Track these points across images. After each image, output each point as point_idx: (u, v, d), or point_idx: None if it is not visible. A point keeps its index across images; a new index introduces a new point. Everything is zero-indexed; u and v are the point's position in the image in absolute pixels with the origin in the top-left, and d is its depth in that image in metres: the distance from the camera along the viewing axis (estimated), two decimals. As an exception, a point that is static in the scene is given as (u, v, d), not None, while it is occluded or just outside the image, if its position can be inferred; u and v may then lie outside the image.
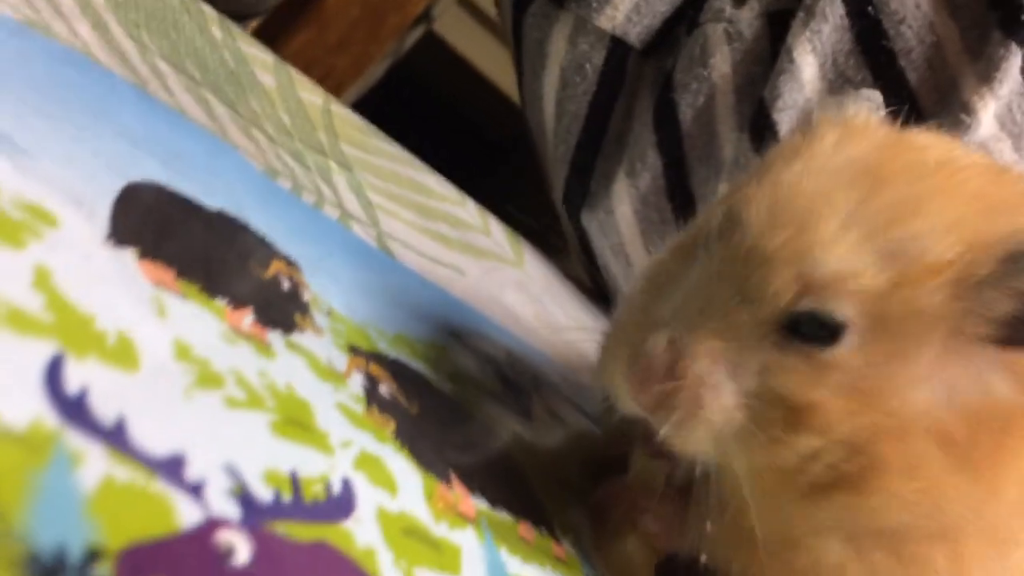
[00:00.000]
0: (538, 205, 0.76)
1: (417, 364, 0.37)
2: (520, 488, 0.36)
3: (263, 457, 0.24)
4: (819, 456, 0.30)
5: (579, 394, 0.50)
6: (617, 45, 0.65)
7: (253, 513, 0.22)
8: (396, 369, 0.35)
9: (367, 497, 0.27)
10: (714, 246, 0.32)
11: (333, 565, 0.23)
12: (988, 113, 0.57)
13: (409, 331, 0.39)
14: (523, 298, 0.58)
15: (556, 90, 0.67)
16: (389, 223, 0.49)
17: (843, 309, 0.30)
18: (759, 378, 0.31)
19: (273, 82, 0.50)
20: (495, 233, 0.64)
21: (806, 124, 0.35)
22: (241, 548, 0.21)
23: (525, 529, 0.33)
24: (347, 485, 0.26)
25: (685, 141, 0.63)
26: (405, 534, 0.27)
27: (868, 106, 0.36)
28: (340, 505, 0.25)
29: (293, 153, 0.46)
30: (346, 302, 0.36)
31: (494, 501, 0.33)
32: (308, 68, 0.98)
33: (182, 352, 0.26)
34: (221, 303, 0.29)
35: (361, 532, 0.25)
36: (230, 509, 0.22)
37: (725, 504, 0.33)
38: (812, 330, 0.30)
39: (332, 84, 0.97)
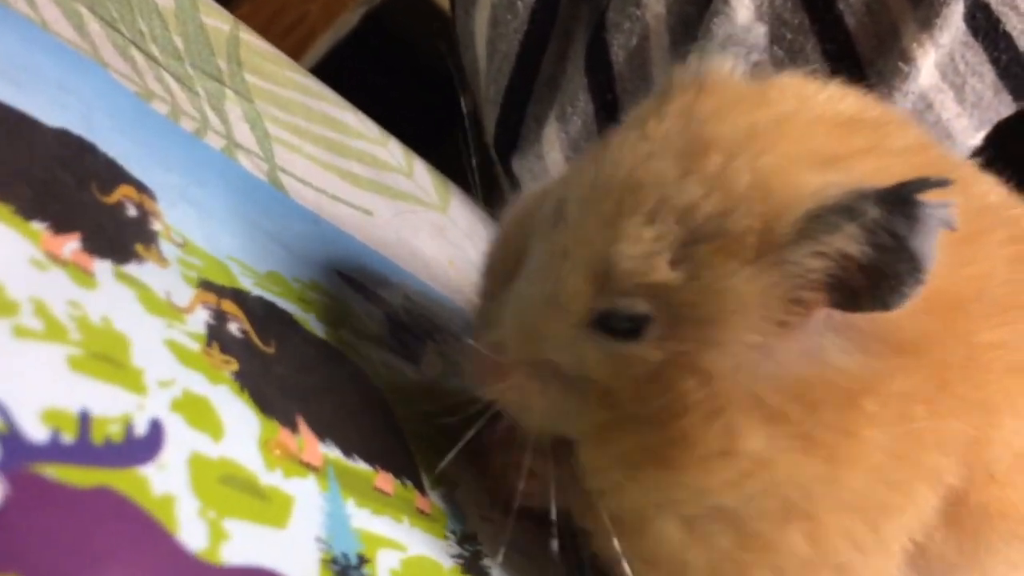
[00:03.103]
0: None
1: (288, 304, 0.35)
2: (388, 437, 0.34)
3: (48, 394, 0.22)
4: (623, 427, 0.29)
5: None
6: (551, -18, 0.62)
7: (16, 454, 0.20)
8: (257, 307, 0.33)
9: (180, 440, 0.25)
10: (544, 238, 0.32)
11: (112, 512, 0.21)
12: (928, 61, 0.54)
13: (285, 269, 0.37)
14: (440, 243, 0.56)
15: (487, 28, 0.64)
16: (286, 157, 0.46)
17: (640, 305, 0.29)
18: (574, 370, 0.31)
19: (171, 4, 0.47)
20: (419, 176, 0.62)
21: (664, 85, 0.33)
22: (-12, 491, 0.19)
23: (384, 480, 0.31)
24: (155, 426, 0.24)
25: (617, 84, 0.60)
26: (222, 482, 0.25)
27: (737, 51, 0.33)
28: (140, 448, 0.23)
29: (179, 77, 0.43)
30: (209, 235, 0.34)
31: (349, 450, 0.31)
32: (281, 12, 0.95)
33: (-29, 276, 0.23)
34: (38, 226, 0.26)
35: (161, 478, 0.23)
36: (-14, 448, 0.20)
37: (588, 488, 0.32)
38: (619, 323, 0.30)
39: (305, 30, 0.94)
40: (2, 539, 0.19)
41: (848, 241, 0.27)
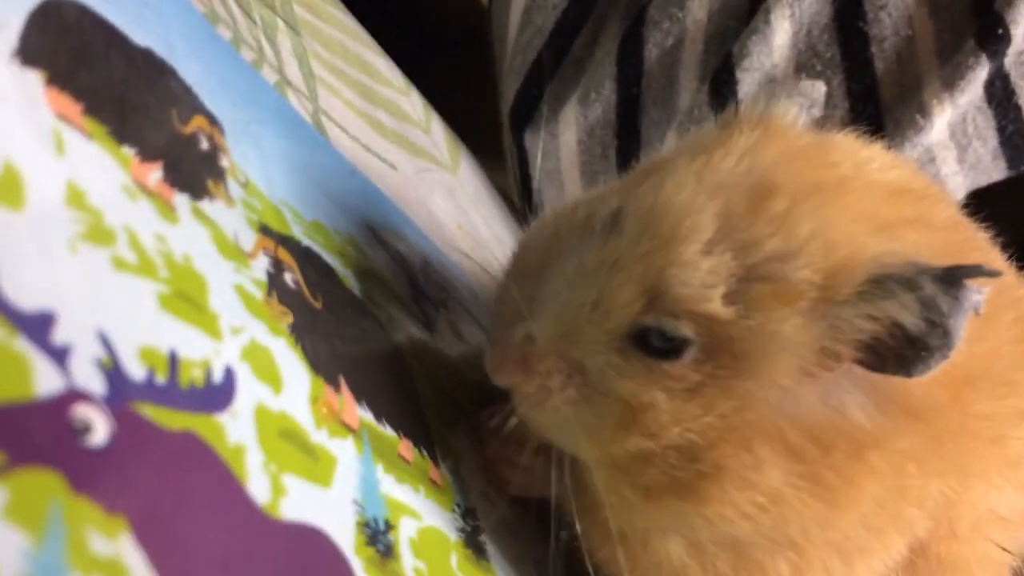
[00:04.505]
0: (485, 105, 0.73)
1: (330, 257, 0.35)
2: (410, 404, 0.35)
3: (143, 331, 0.22)
4: (651, 459, 0.30)
5: (485, 314, 0.48)
6: (598, -35, 0.62)
7: (120, 390, 0.21)
8: (307, 258, 0.33)
9: (249, 391, 0.25)
10: (594, 244, 0.32)
11: (197, 458, 0.22)
12: (943, 119, 0.57)
13: (328, 220, 0.37)
14: (450, 205, 0.56)
15: (526, -1, 0.64)
16: (328, 100, 0.46)
17: (685, 329, 0.30)
18: (602, 379, 0.32)
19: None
20: (435, 133, 0.62)
21: (729, 118, 0.35)
22: (99, 427, 0.19)
23: (406, 448, 0.32)
24: (229, 374, 0.25)
25: (644, 80, 0.61)
26: (281, 436, 0.26)
27: (802, 103, 0.35)
28: (218, 395, 0.24)
29: (240, 1, 0.42)
30: (266, 176, 0.34)
31: (380, 414, 0.32)
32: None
33: (75, 198, 0.23)
34: (129, 152, 0.26)
35: (235, 427, 0.24)
36: (95, 383, 0.20)
37: (585, 489, 0.33)
38: (657, 341, 0.30)
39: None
40: (112, 478, 0.19)
41: (901, 310, 0.28)
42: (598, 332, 0.32)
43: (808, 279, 0.29)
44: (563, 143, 0.64)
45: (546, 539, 0.38)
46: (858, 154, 0.35)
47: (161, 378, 0.22)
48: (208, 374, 0.24)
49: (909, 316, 0.28)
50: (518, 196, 0.71)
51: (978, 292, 0.28)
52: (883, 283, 0.29)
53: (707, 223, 0.30)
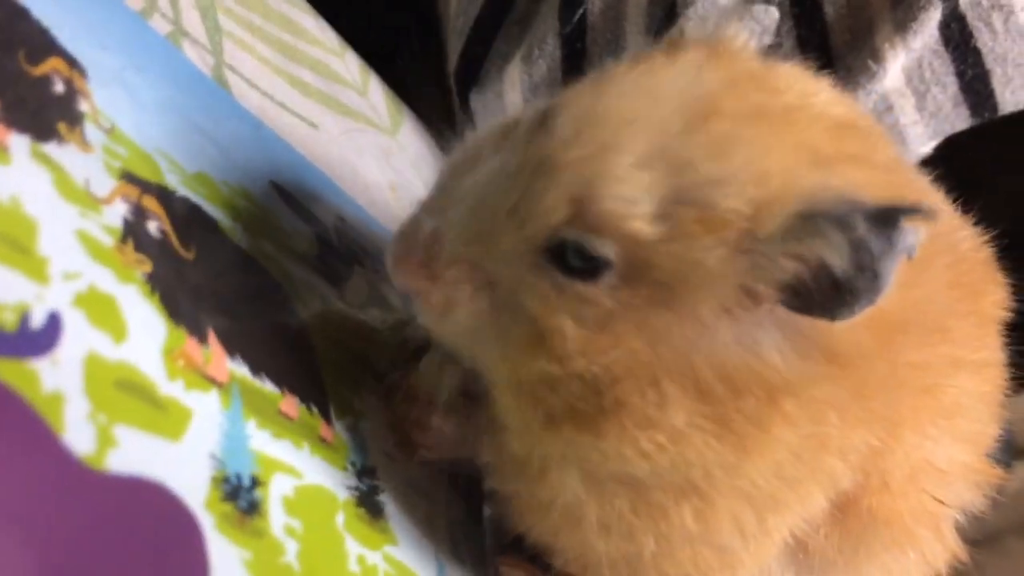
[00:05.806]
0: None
1: (214, 208, 0.34)
2: (298, 360, 0.33)
3: (-61, 269, 0.21)
4: (554, 386, 0.28)
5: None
6: (537, -85, 0.60)
7: None
8: (181, 208, 0.32)
9: (78, 338, 0.23)
10: (518, 144, 0.30)
11: (-6, 405, 0.20)
12: (896, 64, 0.54)
13: (216, 171, 0.35)
14: (384, 167, 0.54)
15: (465, -47, 0.62)
16: (235, 55, 0.44)
17: (607, 248, 0.28)
18: (511, 293, 0.29)
19: None
20: (373, 95, 0.60)
21: (675, 37, 0.32)
22: None
23: (289, 404, 0.31)
24: (53, 320, 0.23)
25: (588, 34, 0.59)
26: (117, 386, 0.24)
27: (752, 28, 0.32)
28: (34, 340, 0.22)
29: (132, -49, 0.40)
30: (139, 124, 0.32)
31: (258, 368, 0.30)
32: None
33: None
34: (-46, 88, 0.25)
35: (52, 375, 0.22)
36: None
37: (495, 421, 0.31)
38: (574, 259, 0.28)
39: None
40: None
41: (829, 251, 0.26)
42: (513, 239, 0.29)
43: (736, 209, 0.27)
44: (508, 103, 0.62)
45: (460, 501, 0.37)
46: (805, 86, 0.33)
47: (-44, 319, 0.20)
48: (24, 318, 0.22)
49: (837, 258, 0.26)
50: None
51: (913, 234, 0.26)
52: (812, 220, 0.26)
53: (644, 135, 0.28)
